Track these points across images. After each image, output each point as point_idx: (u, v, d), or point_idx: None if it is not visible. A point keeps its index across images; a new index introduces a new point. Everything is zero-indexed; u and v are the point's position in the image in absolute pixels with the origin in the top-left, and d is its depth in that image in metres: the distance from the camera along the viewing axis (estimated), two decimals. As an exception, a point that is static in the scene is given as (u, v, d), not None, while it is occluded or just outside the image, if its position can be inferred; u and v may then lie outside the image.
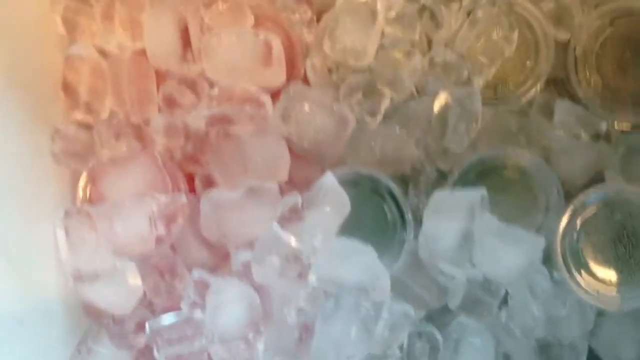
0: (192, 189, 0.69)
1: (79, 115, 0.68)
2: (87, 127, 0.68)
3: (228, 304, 0.62)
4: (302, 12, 0.67)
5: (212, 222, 0.65)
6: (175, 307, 0.64)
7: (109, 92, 0.68)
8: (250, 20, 0.67)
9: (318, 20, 0.68)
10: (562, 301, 0.63)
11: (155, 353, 0.62)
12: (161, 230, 0.64)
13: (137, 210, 0.63)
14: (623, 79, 0.68)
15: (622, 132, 0.68)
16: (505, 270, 0.61)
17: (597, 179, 0.67)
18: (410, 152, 0.66)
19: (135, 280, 0.64)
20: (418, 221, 0.64)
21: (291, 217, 0.61)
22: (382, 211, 0.66)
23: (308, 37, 0.68)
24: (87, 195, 0.68)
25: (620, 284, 0.64)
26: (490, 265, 0.62)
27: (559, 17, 0.67)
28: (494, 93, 0.68)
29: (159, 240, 0.65)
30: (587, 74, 0.68)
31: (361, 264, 0.61)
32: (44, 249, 0.64)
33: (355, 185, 0.65)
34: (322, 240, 0.61)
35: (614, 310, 0.65)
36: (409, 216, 0.65)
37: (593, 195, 0.64)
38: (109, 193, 0.66)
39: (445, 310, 0.66)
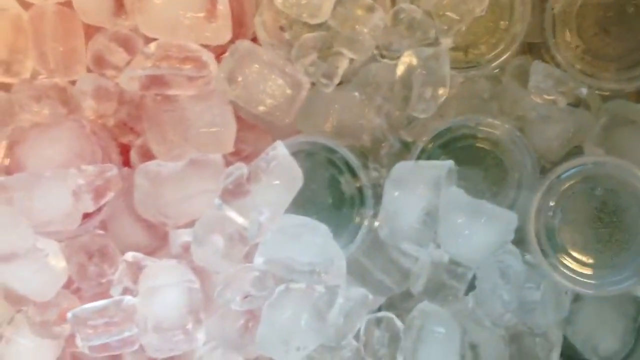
0: (128, 163, 0.67)
1: (-4, 76, 0.64)
2: (5, 88, 0.64)
3: (164, 288, 0.60)
4: (250, -40, 0.66)
5: (148, 198, 0.64)
6: (105, 294, 0.62)
7: (30, 49, 0.64)
8: (192, -33, 0.64)
9: (268, -30, 0.65)
10: (535, 285, 0.61)
11: (78, 342, 0.59)
12: (89, 205, 0.62)
13: (59, 182, 0.60)
14: (605, 42, 0.66)
15: (604, 100, 0.66)
16: (473, 250, 0.60)
17: (575, 152, 0.65)
18: (370, 120, 0.64)
19: (58, 262, 0.61)
20: (378, 197, 0.63)
21: (235, 191, 0.59)
22: (338, 185, 0.65)
23: (257, -11, 0.65)
24: (4, 165, 0.64)
25: (599, 266, 0.63)
26: (456, 245, 0.60)
27: (536, -28, 0.65)
28: (464, 56, 0.66)
29: (86, 217, 0.62)
30: (566, 36, 0.66)
31: (314, 244, 0.59)
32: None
33: (309, 156, 0.64)
34: (270, 217, 0.59)
35: (592, 295, 0.63)
36: (368, 191, 0.63)
37: (571, 169, 0.62)
38: (29, 163, 0.63)
39: (406, 295, 0.65)
